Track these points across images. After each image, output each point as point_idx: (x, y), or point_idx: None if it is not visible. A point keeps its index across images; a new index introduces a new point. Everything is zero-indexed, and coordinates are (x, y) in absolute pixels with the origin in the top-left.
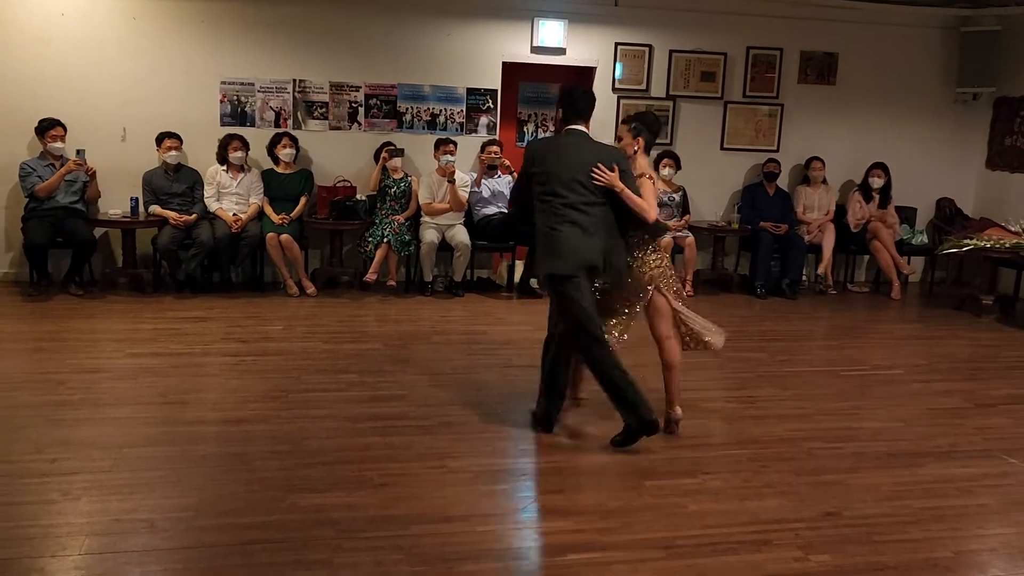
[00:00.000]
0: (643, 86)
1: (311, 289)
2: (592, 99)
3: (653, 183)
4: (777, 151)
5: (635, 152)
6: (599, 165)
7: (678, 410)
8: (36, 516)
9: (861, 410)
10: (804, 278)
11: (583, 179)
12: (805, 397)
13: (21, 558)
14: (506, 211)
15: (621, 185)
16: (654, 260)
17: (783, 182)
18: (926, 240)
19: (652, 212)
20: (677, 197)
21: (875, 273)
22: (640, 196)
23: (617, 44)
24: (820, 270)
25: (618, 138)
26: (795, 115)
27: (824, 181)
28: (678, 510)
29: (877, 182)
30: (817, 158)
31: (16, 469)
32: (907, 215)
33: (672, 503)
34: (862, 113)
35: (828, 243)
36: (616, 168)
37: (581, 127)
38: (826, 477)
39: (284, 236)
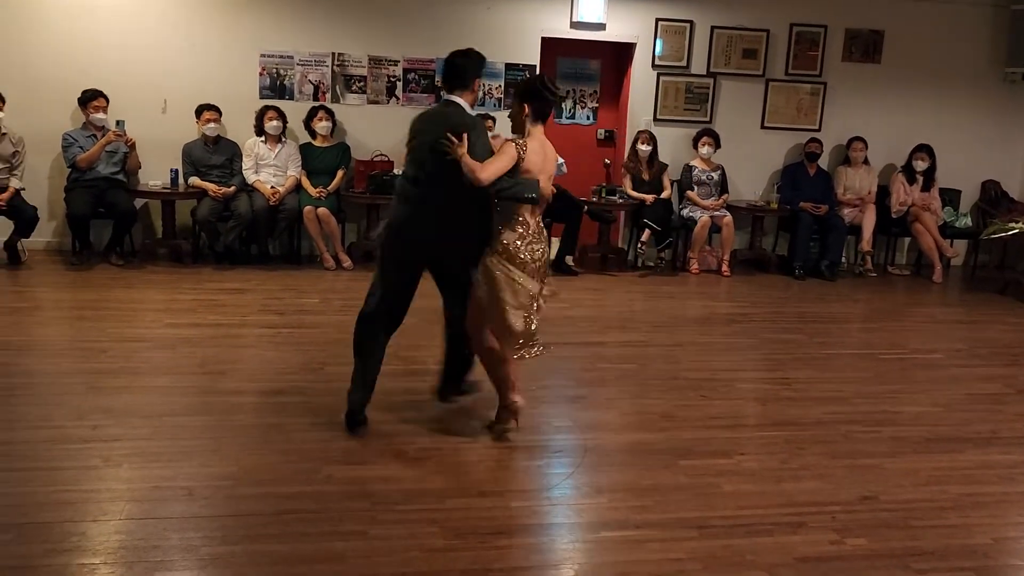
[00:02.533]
0: (683, 63)
1: (347, 263)
2: (470, 64)
3: (518, 147)
4: (819, 131)
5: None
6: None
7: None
8: (77, 481)
9: (900, 394)
10: (843, 260)
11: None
12: (843, 380)
13: (63, 522)
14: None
15: (461, 152)
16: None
17: (824, 162)
18: (970, 223)
19: (480, 172)
20: (716, 176)
21: (916, 255)
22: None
23: (658, 20)
24: (863, 247)
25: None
26: (838, 94)
27: (865, 162)
28: (712, 490)
29: (921, 165)
30: (859, 138)
31: (58, 435)
32: (951, 197)
33: (707, 483)
34: (907, 92)
35: (869, 224)
36: (465, 137)
37: (456, 97)
38: (863, 461)
39: (321, 209)
